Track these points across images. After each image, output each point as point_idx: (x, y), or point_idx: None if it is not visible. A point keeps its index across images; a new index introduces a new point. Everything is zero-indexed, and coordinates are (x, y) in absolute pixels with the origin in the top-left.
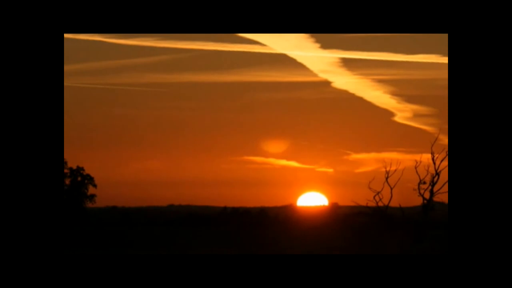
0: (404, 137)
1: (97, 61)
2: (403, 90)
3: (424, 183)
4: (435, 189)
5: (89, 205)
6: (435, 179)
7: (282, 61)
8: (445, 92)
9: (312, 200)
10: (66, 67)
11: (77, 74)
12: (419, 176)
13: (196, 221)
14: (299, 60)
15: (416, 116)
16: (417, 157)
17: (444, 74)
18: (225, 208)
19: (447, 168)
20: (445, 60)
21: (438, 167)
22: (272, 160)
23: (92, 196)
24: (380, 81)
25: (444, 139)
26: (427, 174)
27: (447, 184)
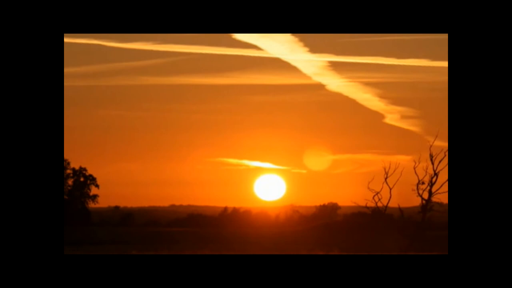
0: (399, 138)
1: (97, 64)
2: (390, 92)
3: (423, 183)
4: (433, 189)
5: (92, 205)
6: (434, 179)
7: (275, 64)
8: (430, 95)
9: (269, 184)
10: (66, 70)
11: (77, 76)
12: (417, 177)
13: (197, 221)
14: (292, 63)
15: (404, 117)
16: (415, 158)
17: (429, 77)
18: (225, 209)
19: (445, 168)
20: (430, 63)
21: (437, 167)
22: (246, 162)
23: (95, 196)
24: (367, 84)
25: (437, 140)
26: (426, 174)
27: (445, 184)
